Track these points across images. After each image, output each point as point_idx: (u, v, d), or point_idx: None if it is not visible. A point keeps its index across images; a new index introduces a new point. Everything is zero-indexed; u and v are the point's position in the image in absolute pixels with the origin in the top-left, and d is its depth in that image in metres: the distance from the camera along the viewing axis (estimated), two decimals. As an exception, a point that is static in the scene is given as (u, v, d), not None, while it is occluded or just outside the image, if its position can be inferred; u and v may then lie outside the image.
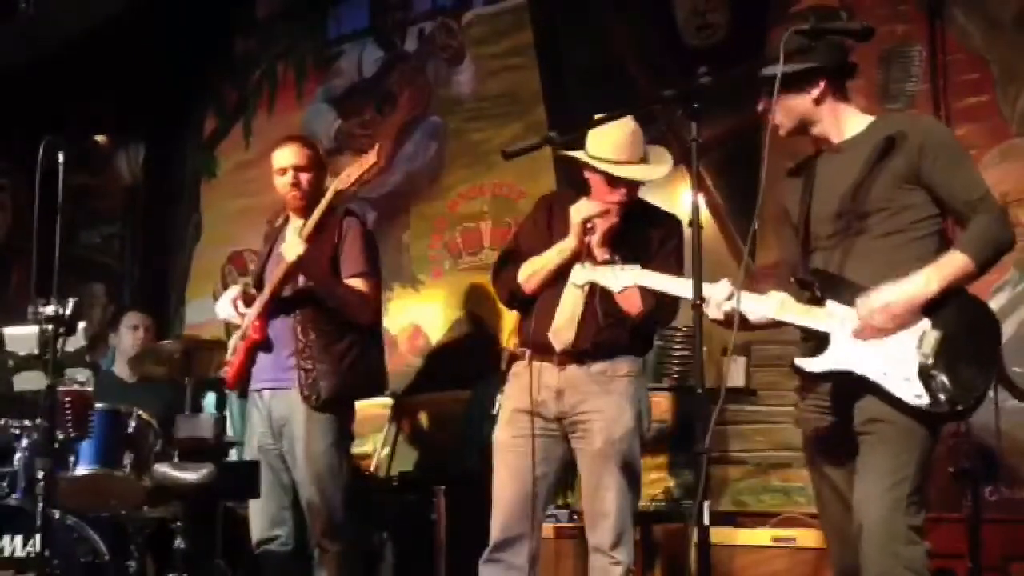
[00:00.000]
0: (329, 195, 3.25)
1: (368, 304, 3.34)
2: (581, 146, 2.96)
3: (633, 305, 2.89)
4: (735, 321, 2.36)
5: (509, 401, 3.03)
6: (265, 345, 3.33)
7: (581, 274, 2.72)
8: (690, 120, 2.30)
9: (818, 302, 2.45)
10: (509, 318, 4.38)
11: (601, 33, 4.85)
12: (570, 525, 3.64)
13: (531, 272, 3.00)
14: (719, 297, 2.42)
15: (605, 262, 2.85)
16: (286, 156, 3.42)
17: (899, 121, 2.58)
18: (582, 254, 2.89)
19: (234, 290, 3.45)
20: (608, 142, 2.89)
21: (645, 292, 2.76)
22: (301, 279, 3.31)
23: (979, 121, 3.84)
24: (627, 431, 2.96)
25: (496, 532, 2.96)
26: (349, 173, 3.21)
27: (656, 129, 4.51)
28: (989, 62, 3.90)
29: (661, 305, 2.86)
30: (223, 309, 3.43)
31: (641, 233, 2.99)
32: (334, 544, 3.24)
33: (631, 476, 2.97)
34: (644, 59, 4.74)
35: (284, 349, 3.31)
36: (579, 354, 2.96)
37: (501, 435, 3.03)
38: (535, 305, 3.01)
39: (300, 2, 6.23)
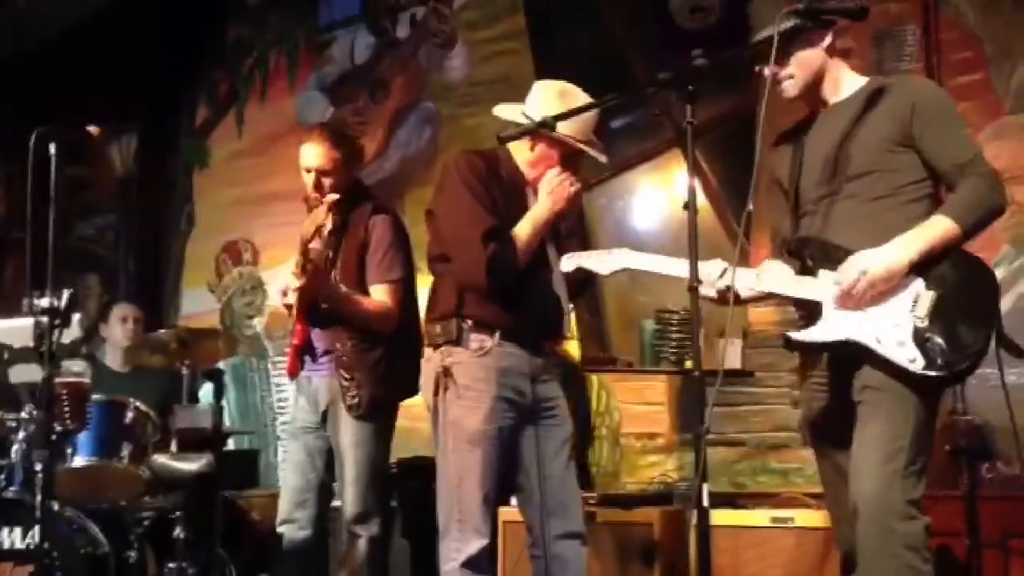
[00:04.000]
0: (302, 251, 3.17)
1: (385, 315, 3.28)
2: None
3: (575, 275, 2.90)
4: (731, 299, 2.37)
5: (488, 385, 2.75)
6: (309, 348, 3.32)
7: (569, 261, 2.69)
8: (685, 102, 2.29)
9: (809, 271, 2.43)
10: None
11: (594, 16, 4.84)
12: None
13: (525, 249, 2.78)
14: (713, 275, 2.43)
15: (569, 234, 2.89)
16: (309, 157, 3.31)
17: (892, 80, 2.54)
18: (556, 226, 2.85)
19: (286, 276, 3.39)
20: (579, 120, 2.80)
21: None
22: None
23: (973, 99, 3.84)
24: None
25: (485, 532, 2.73)
26: (305, 229, 3.15)
27: (650, 112, 4.54)
28: (983, 40, 3.90)
29: (589, 278, 2.89)
30: (274, 297, 3.47)
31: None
32: (366, 530, 3.26)
33: None
34: (638, 42, 4.73)
35: (324, 346, 3.32)
36: (545, 342, 2.90)
37: (486, 426, 2.74)
38: (517, 287, 2.78)
39: (291, -12, 6.20)
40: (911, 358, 2.28)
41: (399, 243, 3.35)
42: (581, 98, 2.85)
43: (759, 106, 2.38)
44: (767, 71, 2.44)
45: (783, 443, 4.09)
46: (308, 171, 3.32)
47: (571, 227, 2.93)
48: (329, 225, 3.14)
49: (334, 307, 3.24)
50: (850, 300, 2.34)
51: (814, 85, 2.50)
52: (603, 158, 2.91)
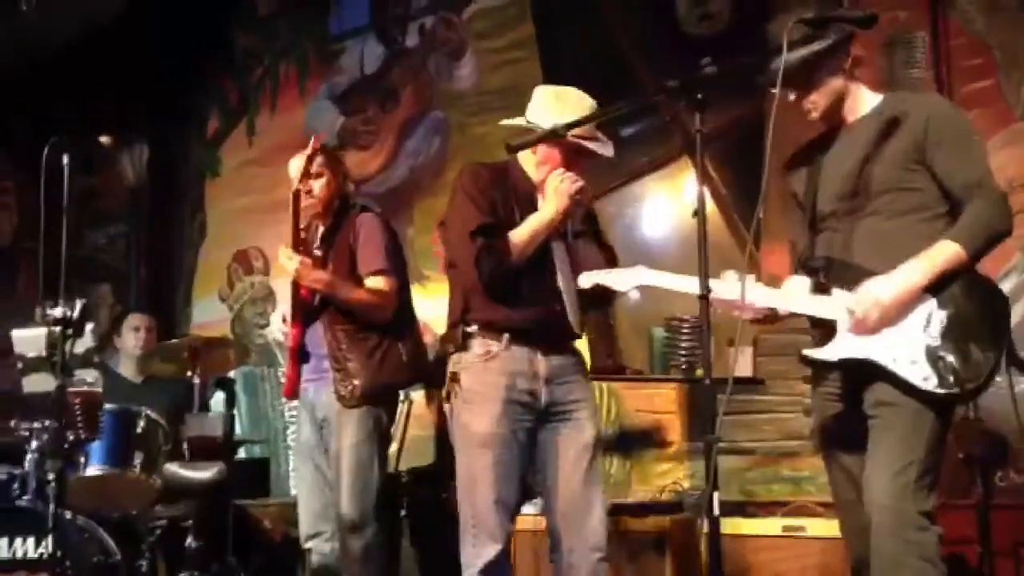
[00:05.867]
0: (292, 204, 3.35)
1: (385, 302, 3.35)
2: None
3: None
4: (742, 308, 2.37)
5: (495, 389, 2.75)
6: (303, 352, 3.37)
7: (586, 279, 2.69)
8: (694, 111, 2.30)
9: (824, 289, 2.45)
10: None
11: (602, 25, 4.85)
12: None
13: (522, 251, 2.79)
14: (735, 294, 2.41)
15: (579, 234, 2.87)
16: (299, 166, 3.45)
17: (907, 99, 2.56)
18: (564, 225, 2.84)
19: (285, 306, 3.50)
20: (563, 113, 2.81)
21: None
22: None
23: (983, 106, 3.83)
24: (599, 425, 2.95)
25: (501, 538, 2.72)
26: (294, 175, 3.36)
27: (659, 120, 4.54)
28: (992, 47, 3.89)
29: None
30: (276, 327, 3.58)
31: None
32: (360, 537, 3.26)
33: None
34: (646, 50, 4.74)
35: (320, 350, 3.38)
36: (565, 343, 2.87)
37: (496, 429, 2.74)
38: (520, 288, 2.79)
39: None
40: (924, 376, 2.31)
41: (386, 237, 3.45)
42: (577, 97, 2.88)
43: (768, 115, 2.38)
44: (789, 96, 2.48)
45: (794, 451, 4.07)
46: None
47: (582, 227, 2.90)
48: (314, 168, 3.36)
49: (328, 293, 3.30)
50: (865, 328, 2.36)
51: (835, 106, 2.53)
52: (607, 152, 2.89)
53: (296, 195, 3.35)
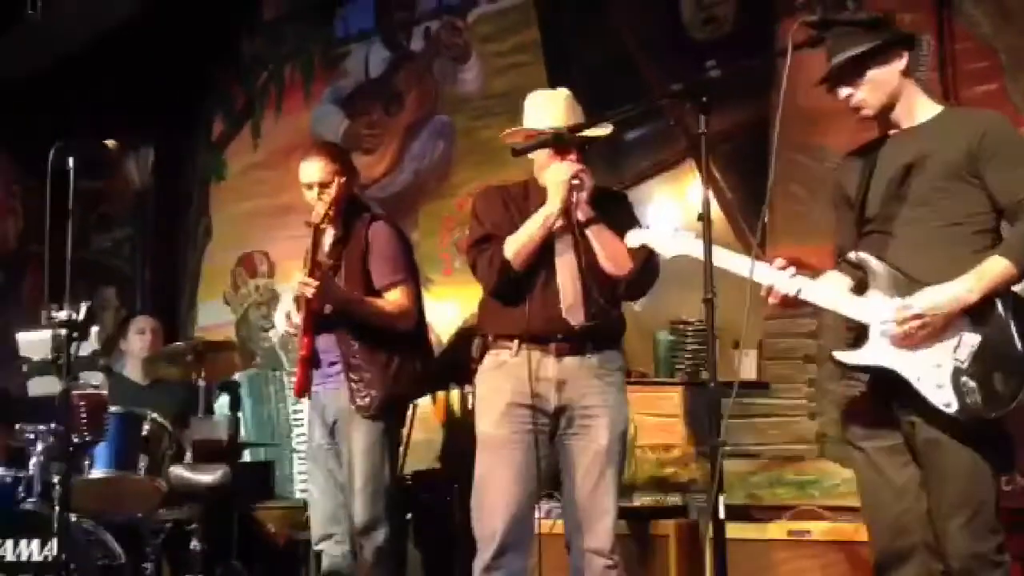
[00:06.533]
0: (312, 237, 3.36)
1: (404, 314, 3.35)
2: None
3: (622, 264, 2.82)
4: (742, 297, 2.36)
5: (499, 394, 2.82)
6: (314, 359, 3.37)
7: (636, 236, 2.63)
8: (699, 113, 2.30)
9: (862, 288, 2.42)
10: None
11: (607, 28, 4.85)
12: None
13: (518, 248, 2.83)
14: (784, 280, 2.40)
15: (591, 221, 2.85)
16: (310, 172, 3.42)
17: (967, 113, 2.56)
18: (568, 215, 2.83)
19: (288, 302, 3.50)
20: (551, 112, 2.88)
21: (632, 253, 2.76)
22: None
23: (989, 110, 3.82)
24: (625, 428, 2.91)
25: (499, 537, 2.76)
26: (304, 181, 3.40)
27: (664, 123, 4.54)
28: (998, 50, 3.88)
29: (645, 268, 2.81)
30: (279, 323, 3.56)
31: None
32: (372, 540, 3.28)
33: (622, 476, 2.93)
34: (650, 54, 4.74)
35: (331, 356, 3.37)
36: (578, 344, 2.84)
37: (497, 431, 2.81)
38: (525, 291, 2.83)
39: (306, 3, 6.24)
40: (946, 402, 2.29)
41: (399, 246, 3.45)
42: (566, 96, 2.95)
43: (774, 119, 2.38)
44: (840, 93, 2.45)
45: (800, 455, 4.06)
46: (310, 187, 3.42)
47: (594, 215, 2.87)
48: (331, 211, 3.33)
49: (347, 310, 3.29)
50: (906, 340, 2.33)
51: (888, 107, 2.48)
52: (600, 132, 2.88)
53: (315, 229, 3.34)
